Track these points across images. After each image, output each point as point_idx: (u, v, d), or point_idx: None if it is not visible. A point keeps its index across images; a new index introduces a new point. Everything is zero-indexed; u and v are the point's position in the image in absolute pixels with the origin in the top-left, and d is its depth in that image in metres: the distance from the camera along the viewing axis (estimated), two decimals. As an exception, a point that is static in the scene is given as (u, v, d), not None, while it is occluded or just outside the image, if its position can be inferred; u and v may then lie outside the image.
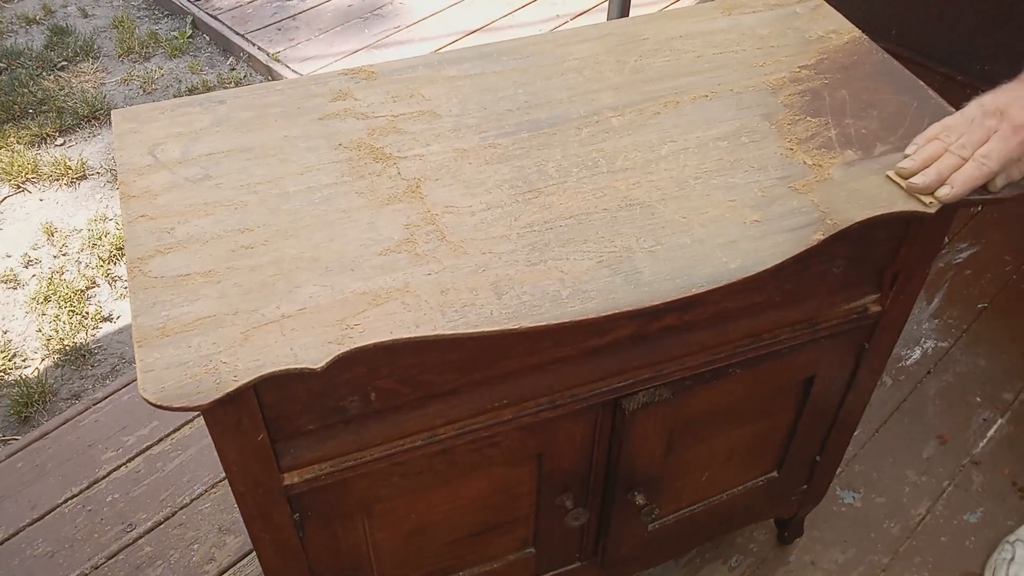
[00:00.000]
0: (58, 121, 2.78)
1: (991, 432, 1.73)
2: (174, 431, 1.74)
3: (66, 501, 1.63)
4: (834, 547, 1.55)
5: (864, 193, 0.91)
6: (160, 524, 1.60)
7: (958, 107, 1.02)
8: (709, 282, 0.83)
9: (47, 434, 1.75)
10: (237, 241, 0.85)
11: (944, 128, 0.94)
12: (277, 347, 0.75)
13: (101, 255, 2.35)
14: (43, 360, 2.10)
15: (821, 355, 1.11)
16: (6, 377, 2.06)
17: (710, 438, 1.17)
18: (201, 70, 3.05)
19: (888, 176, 0.92)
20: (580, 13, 3.15)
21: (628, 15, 2.44)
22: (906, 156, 0.94)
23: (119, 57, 3.12)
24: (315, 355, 0.74)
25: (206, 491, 1.65)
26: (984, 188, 0.91)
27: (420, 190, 0.91)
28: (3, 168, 2.61)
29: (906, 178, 0.91)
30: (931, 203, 0.89)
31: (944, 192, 0.89)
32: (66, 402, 2.01)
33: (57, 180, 2.60)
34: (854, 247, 0.99)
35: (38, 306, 2.22)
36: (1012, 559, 1.48)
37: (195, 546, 1.57)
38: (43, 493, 1.65)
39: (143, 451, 1.71)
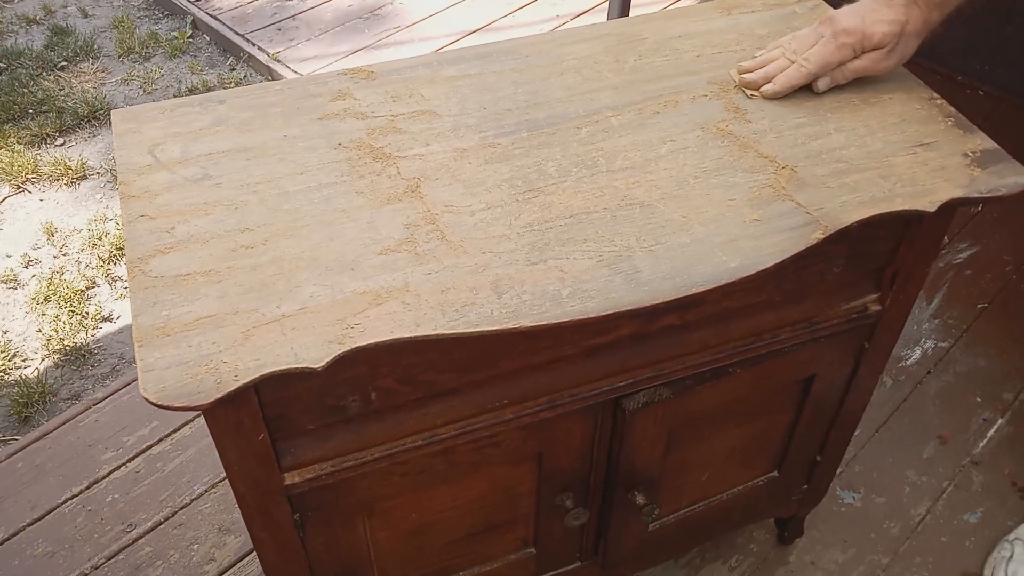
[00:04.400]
0: (58, 121, 2.78)
1: (991, 432, 1.73)
2: (174, 431, 1.74)
3: (66, 501, 1.64)
4: (834, 547, 1.56)
5: (864, 192, 0.91)
6: (160, 524, 1.60)
7: (958, 107, 1.03)
8: (709, 281, 0.83)
9: (47, 434, 1.75)
10: (237, 241, 0.85)
11: (793, 37, 1.05)
12: (278, 347, 0.75)
13: (101, 255, 2.35)
14: (43, 360, 2.10)
15: (821, 355, 1.11)
16: (6, 377, 2.06)
17: (710, 438, 1.17)
18: (201, 70, 3.06)
19: (730, 74, 1.06)
20: (580, 13, 3.15)
21: (628, 15, 2.45)
22: (753, 58, 1.06)
23: (119, 57, 3.12)
24: (316, 354, 0.74)
25: (206, 491, 1.65)
26: (810, 88, 1.02)
27: (420, 190, 0.91)
28: (3, 168, 2.61)
29: (741, 74, 1.04)
30: (753, 96, 1.02)
31: (767, 88, 1.02)
32: (66, 402, 2.01)
33: (57, 180, 2.60)
34: (854, 246, 0.99)
35: (38, 306, 2.22)
36: (1011, 557, 1.48)
37: (195, 546, 1.57)
38: (43, 493, 1.65)
39: (143, 451, 1.71)
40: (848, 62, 1.00)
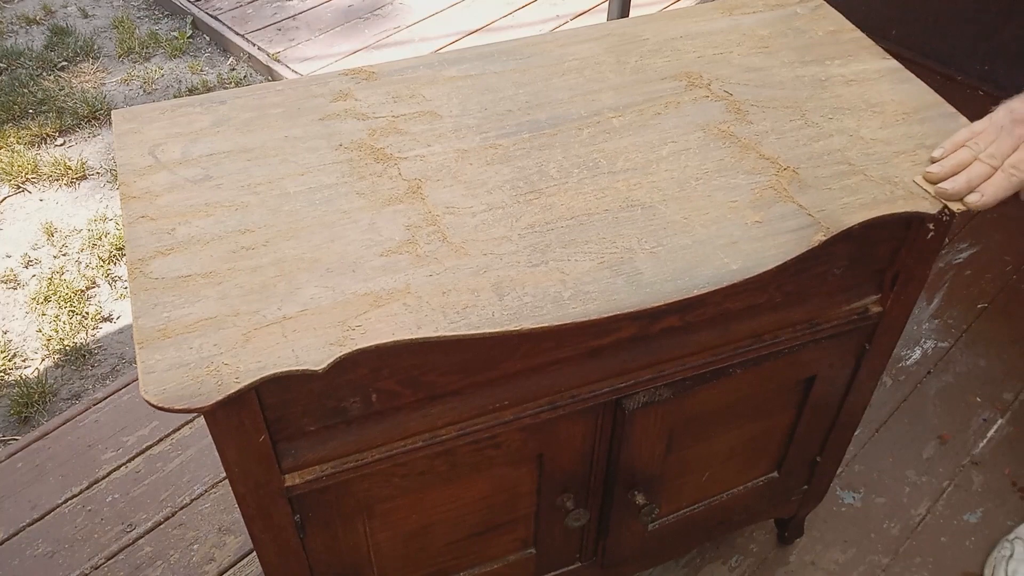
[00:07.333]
0: (58, 121, 2.78)
1: (991, 432, 1.73)
2: (174, 431, 1.74)
3: (66, 501, 1.63)
4: (834, 547, 1.56)
5: (865, 193, 0.91)
6: (160, 524, 1.60)
7: (958, 107, 1.02)
8: (710, 283, 0.83)
9: (47, 434, 1.75)
10: (238, 242, 0.85)
11: (972, 134, 0.93)
12: (278, 348, 0.75)
13: (101, 255, 2.35)
14: (43, 360, 2.10)
15: (822, 356, 1.11)
16: (6, 377, 2.06)
17: (710, 438, 1.17)
18: (201, 70, 3.05)
19: (915, 181, 0.92)
20: (580, 13, 3.15)
21: (628, 15, 2.44)
22: (934, 161, 0.93)
23: (119, 57, 3.12)
24: (317, 356, 0.74)
25: (206, 491, 1.65)
26: (1016, 196, 0.91)
27: (421, 191, 0.91)
28: (3, 168, 2.61)
29: (934, 183, 0.91)
30: (959, 209, 0.89)
31: (974, 199, 0.89)
32: (66, 402, 2.01)
33: (57, 180, 2.60)
34: (855, 248, 0.99)
35: (38, 306, 2.22)
36: (1011, 556, 1.48)
37: (195, 546, 1.57)
38: (43, 493, 1.65)
39: (143, 451, 1.71)
40: None
